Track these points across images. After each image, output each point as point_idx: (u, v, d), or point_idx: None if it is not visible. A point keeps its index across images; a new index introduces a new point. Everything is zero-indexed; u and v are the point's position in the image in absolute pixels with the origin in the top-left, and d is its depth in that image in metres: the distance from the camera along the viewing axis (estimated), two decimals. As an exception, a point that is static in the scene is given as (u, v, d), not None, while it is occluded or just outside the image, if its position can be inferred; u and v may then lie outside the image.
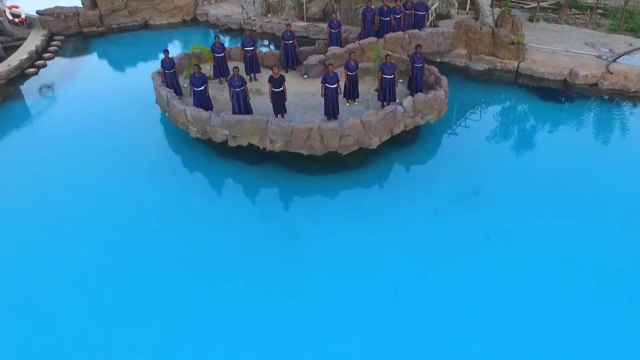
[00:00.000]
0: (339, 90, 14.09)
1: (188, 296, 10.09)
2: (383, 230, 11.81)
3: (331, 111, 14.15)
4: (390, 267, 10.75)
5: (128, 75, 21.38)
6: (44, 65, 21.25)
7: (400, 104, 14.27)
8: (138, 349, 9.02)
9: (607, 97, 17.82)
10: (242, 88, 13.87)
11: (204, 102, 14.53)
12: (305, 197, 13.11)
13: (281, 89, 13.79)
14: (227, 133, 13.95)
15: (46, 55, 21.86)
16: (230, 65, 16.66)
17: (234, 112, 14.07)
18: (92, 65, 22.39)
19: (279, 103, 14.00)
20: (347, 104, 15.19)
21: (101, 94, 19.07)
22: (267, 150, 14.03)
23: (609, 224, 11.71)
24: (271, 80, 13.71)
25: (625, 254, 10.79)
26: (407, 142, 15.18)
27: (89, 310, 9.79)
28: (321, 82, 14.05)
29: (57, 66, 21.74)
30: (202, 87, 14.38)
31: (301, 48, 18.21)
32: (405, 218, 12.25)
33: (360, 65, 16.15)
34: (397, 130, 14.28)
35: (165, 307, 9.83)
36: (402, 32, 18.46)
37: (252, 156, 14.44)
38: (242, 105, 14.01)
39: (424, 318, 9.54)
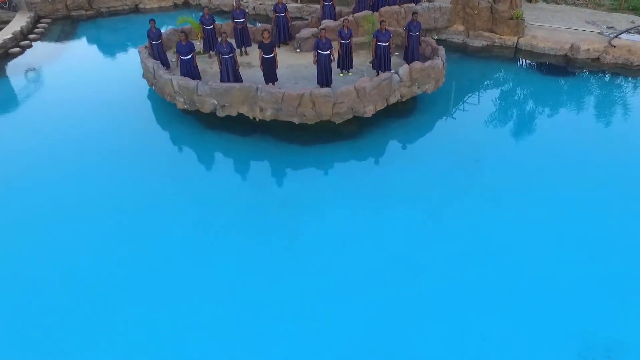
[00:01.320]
0: (332, 58, 13.48)
1: (181, 266, 9.42)
2: (379, 199, 11.19)
3: (324, 79, 13.53)
4: (387, 235, 10.11)
5: (115, 57, 20.74)
6: (29, 46, 20.64)
7: (396, 72, 13.66)
8: (138, 309, 8.55)
9: (609, 71, 17.26)
10: (231, 55, 13.25)
11: (191, 71, 13.91)
12: (298, 167, 12.47)
13: (272, 55, 13.18)
14: (216, 102, 13.32)
15: (32, 36, 21.19)
16: (221, 39, 16.02)
17: (222, 81, 13.45)
18: (78, 47, 21.76)
19: (269, 70, 13.39)
20: (341, 75, 14.59)
21: (87, 74, 18.48)
22: (257, 120, 13.41)
23: (609, 190, 11.10)
24: (262, 46, 13.10)
25: (624, 222, 10.20)
26: (403, 113, 14.59)
27: (89, 278, 9.23)
28: (313, 49, 13.45)
29: (43, 47, 21.12)
30: (189, 56, 13.77)
31: (294, 22, 17.60)
32: (403, 186, 11.62)
33: (355, 40, 15.61)
34: (393, 100, 13.66)
35: (159, 276, 9.22)
36: (397, 6, 17.89)
37: (242, 127, 13.82)
38: (230, 73, 13.39)
39: (425, 286, 8.92)
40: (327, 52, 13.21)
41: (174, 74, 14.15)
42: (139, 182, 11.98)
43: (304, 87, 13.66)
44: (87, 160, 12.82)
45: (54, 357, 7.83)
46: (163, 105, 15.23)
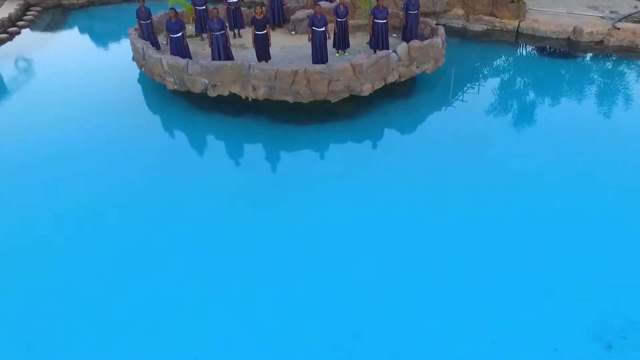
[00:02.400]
0: (327, 35, 12.97)
1: (172, 249, 8.85)
2: (377, 178, 10.66)
3: (319, 58, 13.02)
4: (385, 213, 9.58)
5: (106, 45, 20.11)
6: (18, 33, 20.10)
7: (395, 51, 13.16)
8: (135, 290, 8.04)
9: (614, 54, 16.78)
10: (222, 32, 12.74)
11: (181, 50, 13.40)
12: (292, 148, 11.96)
13: (264, 31, 12.67)
14: (206, 82, 12.80)
15: (20, 23, 20.67)
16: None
17: (213, 60, 12.93)
18: (69, 36, 21.24)
19: (262, 48, 12.87)
20: (337, 55, 14.08)
21: (77, 62, 17.89)
22: (249, 100, 12.89)
23: (621, 169, 10.61)
24: (254, 22, 12.59)
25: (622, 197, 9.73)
26: (402, 94, 14.10)
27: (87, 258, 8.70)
28: (308, 26, 12.95)
29: (31, 35, 20.61)
30: (180, 34, 13.26)
31: (289, 5, 17.09)
32: (401, 167, 11.11)
33: (352, 22, 15.13)
34: (391, 79, 13.16)
35: (149, 258, 8.67)
36: (395, -13, 17.41)
37: (234, 108, 13.31)
38: (222, 51, 12.88)
39: (427, 265, 8.41)
40: (322, 28, 12.71)
41: (163, 54, 13.62)
42: (129, 165, 11.36)
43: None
44: (76, 144, 12.17)
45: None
46: (153, 88, 14.73)
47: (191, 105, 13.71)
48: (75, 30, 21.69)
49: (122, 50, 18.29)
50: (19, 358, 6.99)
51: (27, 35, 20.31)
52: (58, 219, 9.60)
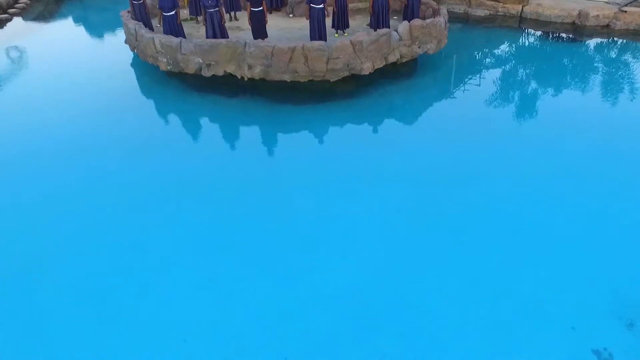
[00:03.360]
0: (325, 13, 12.50)
1: (168, 232, 8.32)
2: (378, 159, 10.16)
3: (318, 37, 12.54)
4: (388, 190, 9.09)
5: (99, 33, 19.59)
6: (9, 20, 19.64)
7: (396, 30, 12.68)
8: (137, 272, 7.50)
9: (621, 38, 16.31)
10: (217, 9, 12.28)
11: (175, 29, 12.92)
12: (290, 127, 11.45)
13: (261, 8, 12.22)
14: (201, 61, 12.31)
15: (12, 11, 20.21)
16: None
17: (207, 38, 12.45)
18: (62, 24, 20.82)
19: (258, 25, 12.41)
20: (336, 35, 13.60)
21: (69, 48, 17.54)
22: (245, 79, 12.41)
23: (622, 149, 10.14)
24: (249, -2, 12.13)
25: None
26: (404, 75, 13.61)
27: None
28: (306, 3, 12.47)
29: (24, 22, 20.14)
30: (173, 12, 12.79)
31: (286, -13, 16.61)
32: (403, 145, 10.64)
33: (351, 5, 14.68)
34: (392, 58, 12.68)
35: (146, 241, 8.14)
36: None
37: (229, 89, 12.83)
38: (216, 29, 12.41)
39: (436, 241, 7.94)
40: (321, 5, 12.24)
41: (155, 33, 13.14)
42: (122, 149, 10.79)
43: (296, 45, 12.66)
44: (68, 131, 11.57)
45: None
46: (146, 71, 14.27)
47: (185, 87, 13.22)
48: (69, 19, 21.22)
49: (116, 38, 17.95)
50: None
51: (18, 23, 19.86)
52: (54, 200, 9.08)
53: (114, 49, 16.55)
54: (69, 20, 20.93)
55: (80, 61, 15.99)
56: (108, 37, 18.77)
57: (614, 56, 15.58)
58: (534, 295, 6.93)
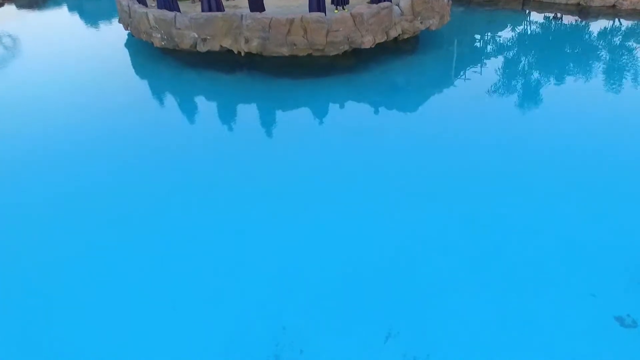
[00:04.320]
0: (325, -13, 12.07)
1: (166, 208, 7.85)
2: (378, 136, 9.72)
3: (317, 9, 12.08)
4: (390, 162, 8.67)
5: (92, 19, 19.18)
6: (2, 5, 19.18)
7: (397, 4, 12.27)
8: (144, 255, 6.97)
9: (627, 18, 15.89)
10: (213, -18, 11.84)
11: (169, 4, 12.47)
12: (289, 104, 11.00)
13: (258, -19, 11.77)
14: (196, 36, 11.89)
15: (3, -3, 19.79)
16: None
17: (202, 12, 12.02)
18: (55, 11, 20.37)
19: (256, 0, 11.95)
20: (336, 11, 13.12)
21: (63, 33, 17.16)
22: (242, 54, 11.98)
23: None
24: (246, -30, 11.69)
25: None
26: (405, 52, 13.20)
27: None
28: (305, -24, 12.06)
29: (15, 10, 19.69)
30: (167, -13, 12.35)
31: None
32: (407, 116, 10.27)
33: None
34: (393, 33, 12.26)
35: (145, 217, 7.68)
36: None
37: (226, 65, 12.42)
38: (212, 2, 11.96)
39: (433, 205, 7.52)
40: (320, -21, 11.80)
41: (150, 8, 12.72)
42: (118, 128, 10.29)
43: (294, 19, 12.24)
44: (66, 107, 11.18)
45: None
46: (140, 49, 13.88)
47: (180, 64, 12.81)
48: (63, 6, 20.78)
49: (109, 23, 17.57)
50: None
51: (10, 10, 19.41)
52: (56, 172, 8.67)
53: (108, 32, 16.26)
54: (63, 7, 20.48)
55: (74, 45, 15.58)
56: (102, 22, 18.33)
57: (621, 37, 15.16)
58: (550, 263, 6.51)
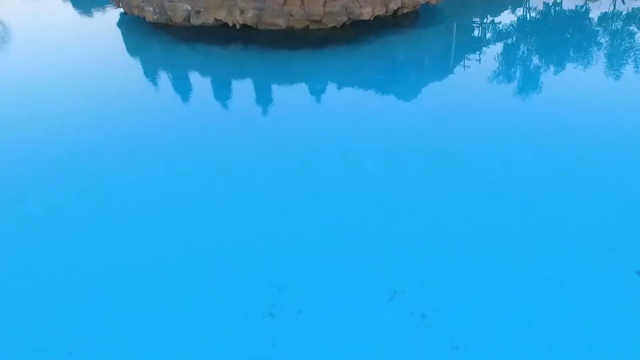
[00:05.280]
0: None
1: (164, 184, 7.40)
2: (381, 101, 9.44)
3: (314, -18, 11.71)
4: (391, 130, 8.29)
5: (82, 5, 18.66)
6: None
7: (397, -24, 11.90)
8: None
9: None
10: (206, -48, 11.44)
11: (161, -23, 12.06)
12: (286, 79, 10.59)
13: (253, -51, 11.37)
14: (189, 8, 11.51)
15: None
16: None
17: (196, -16, 11.63)
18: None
19: (250, -31, 11.57)
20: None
21: (55, 18, 16.62)
22: (237, 27, 11.59)
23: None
24: (240, -61, 11.30)
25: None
26: (405, 27, 12.82)
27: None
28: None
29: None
30: (159, -42, 11.94)
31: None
32: (406, 89, 9.92)
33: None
34: (393, 6, 11.87)
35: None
36: None
37: (220, 39, 11.99)
38: (206, -26, 11.57)
39: (432, 169, 7.15)
40: (317, -53, 11.42)
41: (141, -19, 12.33)
42: (112, 107, 9.79)
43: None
44: (56, 86, 10.69)
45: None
46: (132, 27, 13.46)
47: (173, 39, 12.38)
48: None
49: (100, 8, 17.04)
50: None
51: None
52: (53, 153, 8.20)
53: (99, 14, 15.77)
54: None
55: (65, 26, 15.19)
56: (93, 6, 17.85)
57: (628, 16, 14.82)
58: (565, 218, 6.13)
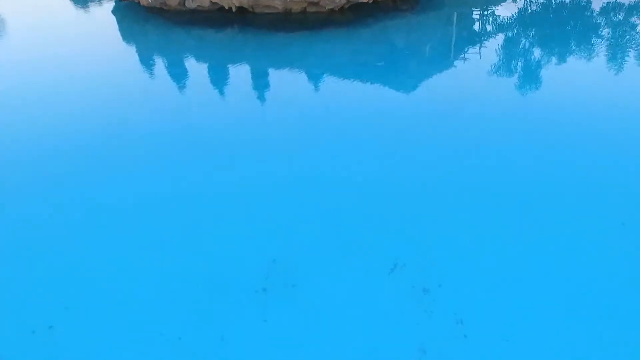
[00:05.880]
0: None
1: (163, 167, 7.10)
2: (380, 85, 9.08)
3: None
4: (391, 114, 7.99)
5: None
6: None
7: (397, -41, 11.65)
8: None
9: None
10: None
11: (155, -41, 11.83)
12: (284, 57, 10.33)
13: None
14: (184, -9, 11.24)
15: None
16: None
17: (191, -34, 11.38)
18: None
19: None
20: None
21: (46, 4, 16.39)
22: (233, 10, 11.32)
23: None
24: None
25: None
26: (404, 11, 12.57)
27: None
28: None
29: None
30: (153, -60, 11.70)
31: None
32: (407, 74, 9.62)
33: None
34: (393, -11, 11.62)
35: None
36: None
37: (216, 23, 11.73)
38: (201, -45, 11.32)
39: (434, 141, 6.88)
40: None
41: (135, -36, 12.09)
42: (107, 92, 9.52)
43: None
44: (53, 72, 10.40)
45: None
46: (128, 13, 13.20)
47: (167, 23, 12.14)
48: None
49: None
50: None
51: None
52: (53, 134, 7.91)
53: (94, 3, 15.48)
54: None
55: (59, 13, 14.92)
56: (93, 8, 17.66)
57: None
58: (584, 192, 5.85)
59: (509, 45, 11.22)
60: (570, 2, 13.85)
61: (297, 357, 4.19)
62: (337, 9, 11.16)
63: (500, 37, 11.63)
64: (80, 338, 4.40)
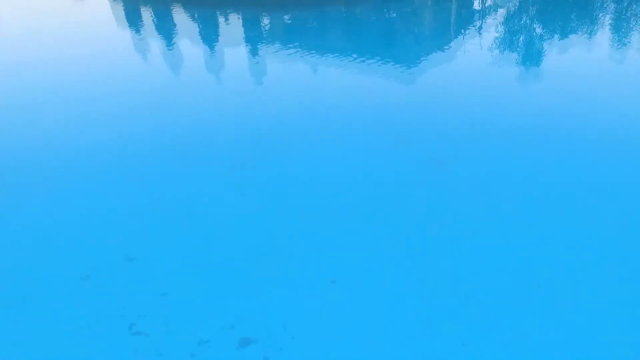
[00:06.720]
0: None
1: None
2: (380, 64, 8.85)
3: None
4: (384, 102, 7.80)
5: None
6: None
7: None
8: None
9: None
10: None
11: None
12: (282, 34, 10.09)
13: None
14: (177, -31, 10.88)
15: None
16: None
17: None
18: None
19: None
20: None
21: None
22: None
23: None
24: None
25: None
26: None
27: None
28: None
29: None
30: None
31: None
32: (406, 53, 9.34)
33: None
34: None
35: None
36: None
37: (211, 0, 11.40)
38: None
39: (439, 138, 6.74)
40: None
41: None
42: (103, 76, 9.37)
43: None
44: (45, 56, 10.27)
45: None
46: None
47: (166, 3, 11.78)
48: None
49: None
50: None
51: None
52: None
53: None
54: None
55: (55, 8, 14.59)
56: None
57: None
58: (609, 170, 5.74)
59: (512, 28, 10.92)
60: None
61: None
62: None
63: (502, 16, 11.32)
64: None
